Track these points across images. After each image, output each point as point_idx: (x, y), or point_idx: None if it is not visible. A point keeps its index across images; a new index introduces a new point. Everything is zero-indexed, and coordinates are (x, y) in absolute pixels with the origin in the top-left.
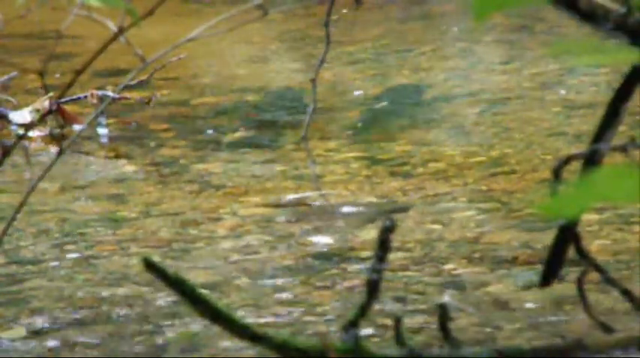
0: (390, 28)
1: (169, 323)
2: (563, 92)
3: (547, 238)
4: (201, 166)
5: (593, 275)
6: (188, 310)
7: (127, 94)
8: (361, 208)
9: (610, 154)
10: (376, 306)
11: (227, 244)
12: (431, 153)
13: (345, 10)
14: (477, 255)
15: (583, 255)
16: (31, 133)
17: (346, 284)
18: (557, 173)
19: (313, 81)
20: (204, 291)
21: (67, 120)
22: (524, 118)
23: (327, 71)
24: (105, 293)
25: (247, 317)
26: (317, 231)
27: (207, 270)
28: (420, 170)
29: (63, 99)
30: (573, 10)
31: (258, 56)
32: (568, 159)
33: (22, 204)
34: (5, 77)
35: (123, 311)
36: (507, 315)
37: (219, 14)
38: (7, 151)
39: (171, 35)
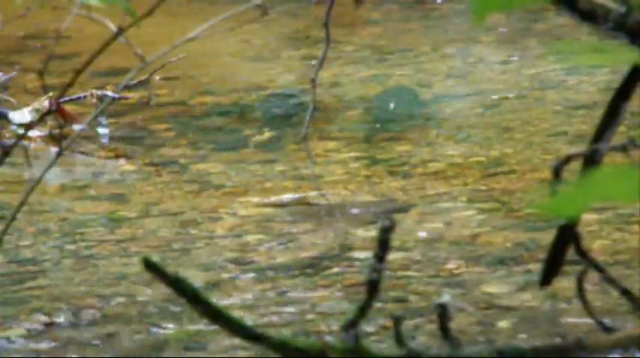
0: (390, 28)
1: (169, 323)
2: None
3: (547, 238)
4: (201, 166)
5: (593, 275)
6: (188, 310)
7: (127, 94)
8: (361, 208)
9: (610, 154)
10: (376, 306)
11: (227, 244)
12: (431, 153)
13: (345, 9)
14: (476, 255)
15: (583, 254)
16: (31, 133)
17: (346, 284)
18: (557, 173)
19: (313, 81)
20: (203, 291)
21: (67, 120)
22: (524, 118)
23: (327, 71)
24: (104, 292)
25: (247, 317)
26: (317, 230)
27: (207, 270)
28: (420, 170)
29: (63, 99)
30: (573, 10)
31: (258, 56)
32: (568, 159)
33: (22, 204)
34: (5, 77)
35: (123, 311)
36: (507, 315)
37: (219, 14)
38: (7, 151)
39: (171, 35)
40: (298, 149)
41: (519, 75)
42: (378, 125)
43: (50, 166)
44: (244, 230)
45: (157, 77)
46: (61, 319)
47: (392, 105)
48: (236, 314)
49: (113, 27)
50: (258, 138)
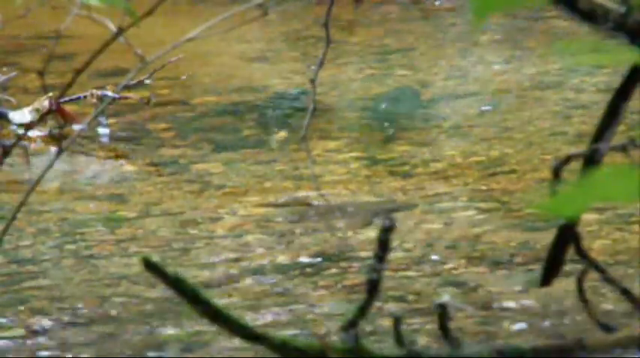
0: (390, 28)
1: (169, 323)
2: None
3: (547, 238)
4: (201, 166)
5: (593, 275)
6: (188, 310)
7: (127, 94)
8: (361, 208)
9: (610, 154)
10: (376, 306)
11: (227, 244)
12: (431, 153)
13: (345, 9)
14: (476, 255)
15: (583, 254)
16: (31, 133)
17: (346, 284)
18: (557, 173)
19: (313, 81)
20: (203, 291)
21: (67, 120)
22: (524, 118)
23: (327, 71)
24: (104, 292)
25: (247, 317)
26: (317, 230)
27: (207, 270)
28: (420, 170)
29: (63, 99)
30: (573, 10)
31: (258, 56)
32: (568, 159)
33: (22, 204)
34: (5, 77)
35: (122, 311)
36: (507, 315)
37: (218, 14)
38: (7, 151)
39: (170, 35)
40: (298, 149)
41: (519, 75)
42: (385, 124)
43: (50, 166)
44: (244, 230)
45: (147, 80)
46: (60, 319)
47: (384, 106)
48: (236, 314)
49: (113, 27)
50: (257, 138)
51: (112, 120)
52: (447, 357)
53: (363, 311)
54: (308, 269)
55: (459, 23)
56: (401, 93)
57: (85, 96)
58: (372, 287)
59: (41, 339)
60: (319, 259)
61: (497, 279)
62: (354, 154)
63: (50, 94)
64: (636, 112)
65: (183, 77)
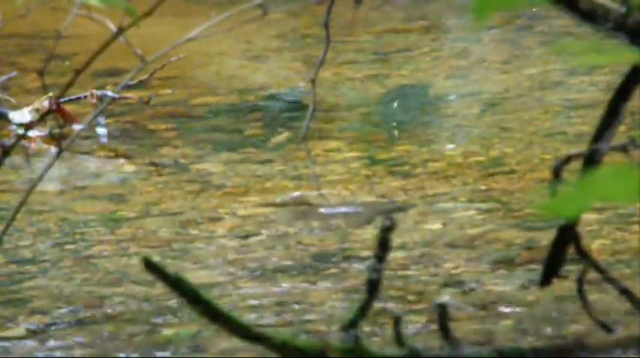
0: (390, 28)
1: (169, 323)
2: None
3: (547, 238)
4: (201, 166)
5: (593, 275)
6: (188, 310)
7: (127, 94)
8: (361, 208)
9: (610, 154)
10: (376, 306)
11: (227, 244)
12: (431, 153)
13: (345, 9)
14: (476, 255)
15: (583, 254)
16: (31, 133)
17: (346, 284)
18: (557, 173)
19: (313, 81)
20: (203, 291)
21: (66, 120)
22: (524, 118)
23: (327, 71)
24: (104, 292)
25: (247, 317)
26: (317, 230)
27: (207, 270)
28: (420, 170)
29: (63, 99)
30: (573, 10)
31: (258, 56)
32: (568, 159)
33: (22, 204)
34: (5, 77)
35: (122, 311)
36: (507, 315)
37: (218, 14)
38: (7, 151)
39: (170, 35)
40: (298, 149)
41: (519, 75)
42: (393, 124)
43: (50, 166)
44: (244, 230)
45: (139, 80)
46: (60, 319)
47: (395, 104)
48: (236, 314)
49: (113, 27)
50: (257, 137)
51: (111, 120)
52: (447, 357)
53: (363, 311)
54: (308, 270)
55: (459, 23)
56: (406, 91)
57: (85, 96)
58: (372, 287)
59: (42, 339)
60: (319, 259)
61: (497, 279)
62: (354, 154)
63: (50, 94)
64: (636, 112)
65: (169, 91)
